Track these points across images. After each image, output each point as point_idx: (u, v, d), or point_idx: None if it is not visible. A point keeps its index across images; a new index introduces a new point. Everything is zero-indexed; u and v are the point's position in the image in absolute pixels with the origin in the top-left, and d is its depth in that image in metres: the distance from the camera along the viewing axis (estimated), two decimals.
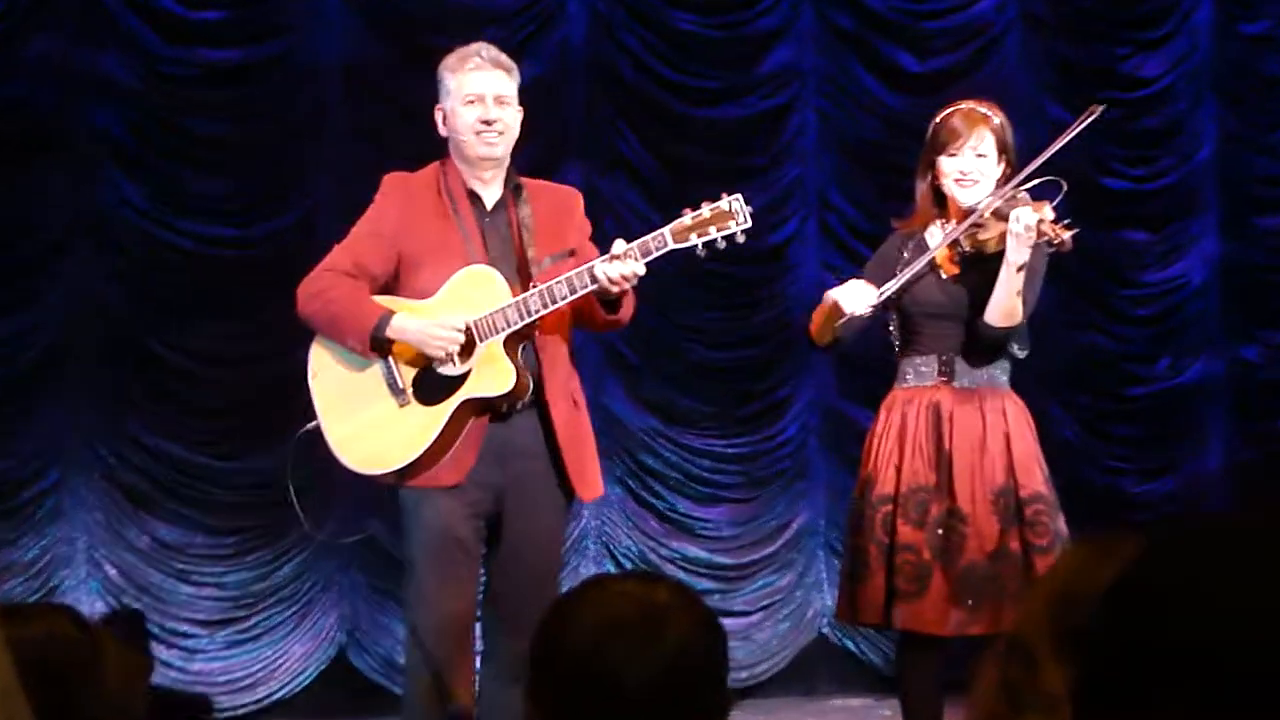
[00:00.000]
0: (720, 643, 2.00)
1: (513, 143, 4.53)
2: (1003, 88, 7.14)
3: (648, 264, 4.28)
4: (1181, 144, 7.66)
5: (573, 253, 4.45)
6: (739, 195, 4.31)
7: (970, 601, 4.50)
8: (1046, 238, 4.49)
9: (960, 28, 7.52)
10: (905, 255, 4.75)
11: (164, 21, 6.84)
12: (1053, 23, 7.54)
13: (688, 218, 4.28)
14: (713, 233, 4.27)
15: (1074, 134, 4.67)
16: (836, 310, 4.61)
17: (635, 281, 4.26)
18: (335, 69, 6.99)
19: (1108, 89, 7.34)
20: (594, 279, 4.24)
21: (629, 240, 4.32)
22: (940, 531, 4.55)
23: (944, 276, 4.72)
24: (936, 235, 4.76)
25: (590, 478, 4.52)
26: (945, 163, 4.69)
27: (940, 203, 4.78)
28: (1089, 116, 4.68)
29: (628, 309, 4.43)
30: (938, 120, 4.73)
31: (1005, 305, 4.56)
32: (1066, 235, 4.49)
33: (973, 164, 4.67)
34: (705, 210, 4.28)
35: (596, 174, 7.18)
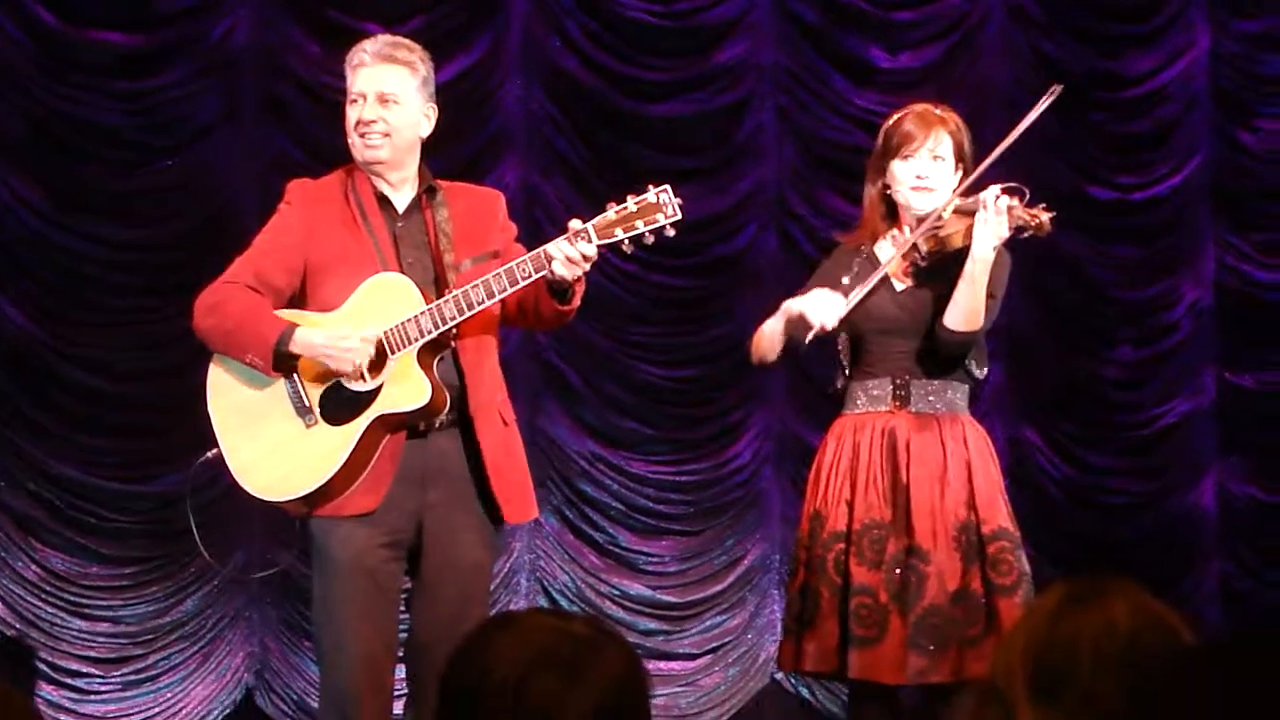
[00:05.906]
0: (645, 678, 2.05)
1: (408, 143, 4.38)
2: (980, 85, 7.16)
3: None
4: (1174, 150, 7.50)
5: (497, 254, 4.34)
6: (667, 187, 4.24)
7: (932, 647, 4.36)
8: (1020, 222, 4.35)
9: (935, 18, 7.36)
10: (855, 269, 4.58)
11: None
12: (1036, 15, 7.44)
13: (611, 212, 4.21)
14: (640, 227, 4.20)
15: (1034, 118, 4.56)
16: (803, 323, 4.44)
17: (588, 266, 4.23)
18: (250, 57, 6.86)
19: (1095, 88, 7.32)
20: (546, 263, 4.16)
21: (542, 242, 4.26)
22: (898, 572, 4.42)
23: (897, 289, 4.57)
24: (887, 249, 4.59)
25: (520, 501, 4.39)
26: (899, 168, 4.53)
27: (891, 214, 4.62)
28: (1049, 98, 4.57)
29: (579, 296, 4.35)
30: (890, 123, 4.59)
31: (969, 306, 4.40)
32: (1045, 216, 4.36)
33: (929, 168, 4.51)
34: (630, 204, 4.22)
35: (535, 174, 7.07)
